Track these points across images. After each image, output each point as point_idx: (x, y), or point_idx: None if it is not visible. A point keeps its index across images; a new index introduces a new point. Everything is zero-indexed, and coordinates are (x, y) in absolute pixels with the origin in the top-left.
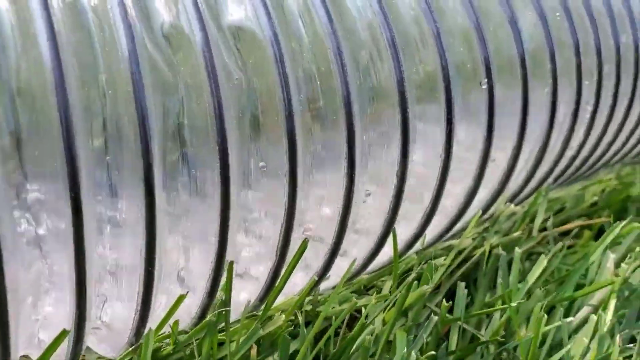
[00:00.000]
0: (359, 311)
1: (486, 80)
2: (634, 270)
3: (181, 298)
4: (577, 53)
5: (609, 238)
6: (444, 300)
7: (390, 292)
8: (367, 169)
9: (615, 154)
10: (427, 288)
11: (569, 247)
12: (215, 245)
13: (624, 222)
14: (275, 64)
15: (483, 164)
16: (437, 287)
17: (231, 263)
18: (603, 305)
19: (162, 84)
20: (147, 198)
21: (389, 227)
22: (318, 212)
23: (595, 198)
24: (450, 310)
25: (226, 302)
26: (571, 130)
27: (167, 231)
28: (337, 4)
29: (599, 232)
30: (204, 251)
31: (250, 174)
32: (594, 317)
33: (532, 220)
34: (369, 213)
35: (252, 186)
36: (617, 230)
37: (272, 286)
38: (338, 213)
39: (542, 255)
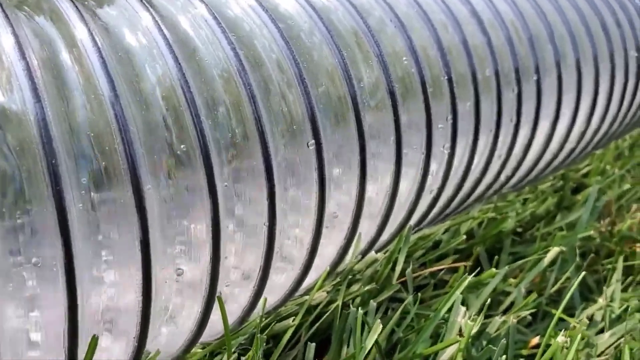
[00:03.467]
0: None
1: (313, 141)
2: (485, 323)
3: None
4: (426, 98)
5: (457, 291)
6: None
7: None
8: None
9: (487, 188)
10: None
11: (445, 283)
12: None
13: (473, 274)
14: (42, 148)
15: (319, 221)
16: (296, 343)
17: None
18: None
19: None
20: None
21: (209, 302)
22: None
23: (467, 233)
24: None
25: None
26: (424, 174)
27: None
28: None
29: (475, 265)
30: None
31: (20, 274)
32: None
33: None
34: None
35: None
36: (466, 282)
37: None
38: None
39: (378, 321)
